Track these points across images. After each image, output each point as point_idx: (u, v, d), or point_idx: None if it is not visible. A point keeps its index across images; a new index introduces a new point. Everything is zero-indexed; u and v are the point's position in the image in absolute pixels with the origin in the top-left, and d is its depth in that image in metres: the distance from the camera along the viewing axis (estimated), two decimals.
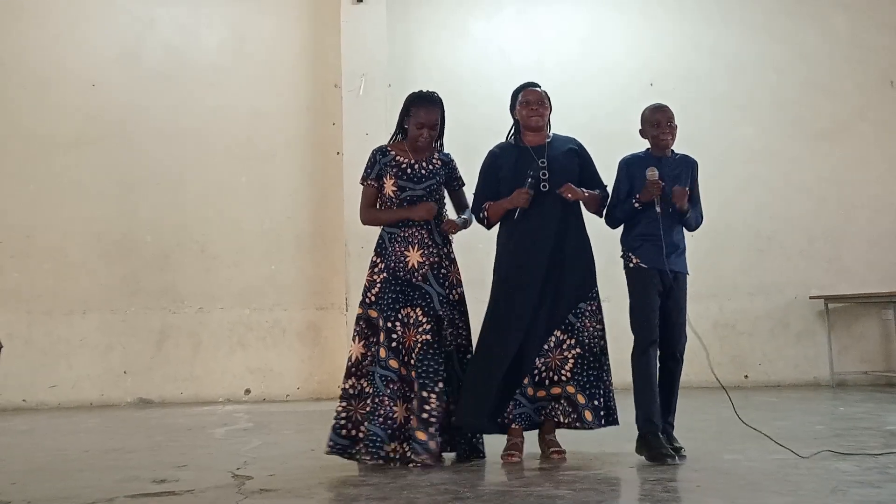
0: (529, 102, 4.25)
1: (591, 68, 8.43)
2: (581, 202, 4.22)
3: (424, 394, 3.90)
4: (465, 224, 4.27)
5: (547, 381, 4.08)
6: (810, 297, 8.25)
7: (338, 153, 7.91)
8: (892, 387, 7.80)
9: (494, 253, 4.29)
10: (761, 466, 3.62)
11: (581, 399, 4.04)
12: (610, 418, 4.11)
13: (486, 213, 4.24)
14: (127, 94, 8.00)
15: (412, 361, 3.98)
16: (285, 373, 7.90)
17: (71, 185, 7.83)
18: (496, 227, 4.33)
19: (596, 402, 4.05)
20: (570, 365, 4.07)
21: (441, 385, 3.92)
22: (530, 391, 4.07)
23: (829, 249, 8.43)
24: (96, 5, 8.15)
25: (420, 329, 3.99)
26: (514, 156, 4.24)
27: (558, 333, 4.09)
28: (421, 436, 3.86)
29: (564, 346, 4.09)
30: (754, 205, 8.40)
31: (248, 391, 7.84)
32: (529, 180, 4.09)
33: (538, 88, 4.31)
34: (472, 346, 4.20)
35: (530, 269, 4.12)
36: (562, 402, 4.06)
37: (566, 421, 4.08)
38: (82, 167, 7.85)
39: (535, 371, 4.07)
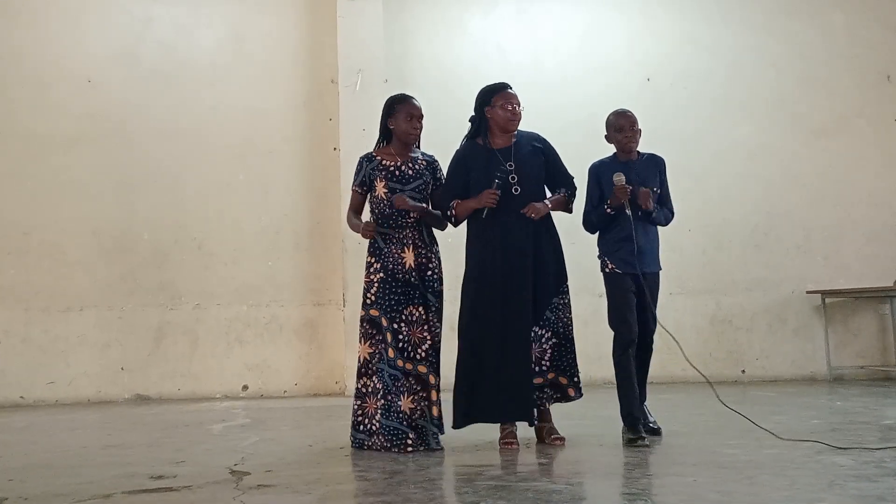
0: (513, 106, 4.32)
1: (589, 66, 8.42)
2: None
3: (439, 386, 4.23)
4: (425, 212, 4.35)
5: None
6: (807, 292, 8.26)
7: (335, 149, 7.92)
8: (888, 381, 7.81)
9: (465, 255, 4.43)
10: (758, 460, 3.63)
11: (563, 381, 4.38)
12: (581, 389, 4.48)
13: (453, 210, 4.34)
14: (125, 92, 7.99)
15: (421, 356, 4.22)
16: (283, 369, 7.90)
17: (69, 183, 7.82)
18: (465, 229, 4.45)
19: (575, 380, 4.40)
20: (549, 355, 4.34)
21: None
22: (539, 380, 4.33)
23: (827, 245, 8.44)
24: (95, 4, 8.13)
25: (425, 326, 4.24)
26: (483, 158, 4.33)
27: (536, 329, 4.31)
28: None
29: (543, 340, 4.33)
30: (752, 200, 8.41)
31: (245, 387, 7.85)
32: (497, 181, 4.20)
33: (513, 90, 4.39)
34: (440, 339, 4.37)
35: (505, 270, 4.24)
36: (546, 389, 4.37)
37: (552, 403, 4.42)
38: (80, 165, 7.85)
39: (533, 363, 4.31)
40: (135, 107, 7.98)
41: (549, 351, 4.33)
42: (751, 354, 8.26)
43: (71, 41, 8.01)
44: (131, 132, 7.95)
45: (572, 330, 4.41)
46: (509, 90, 4.37)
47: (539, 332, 4.30)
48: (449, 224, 4.46)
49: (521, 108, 4.35)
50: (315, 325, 7.98)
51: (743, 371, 8.18)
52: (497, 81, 4.44)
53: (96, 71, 7.98)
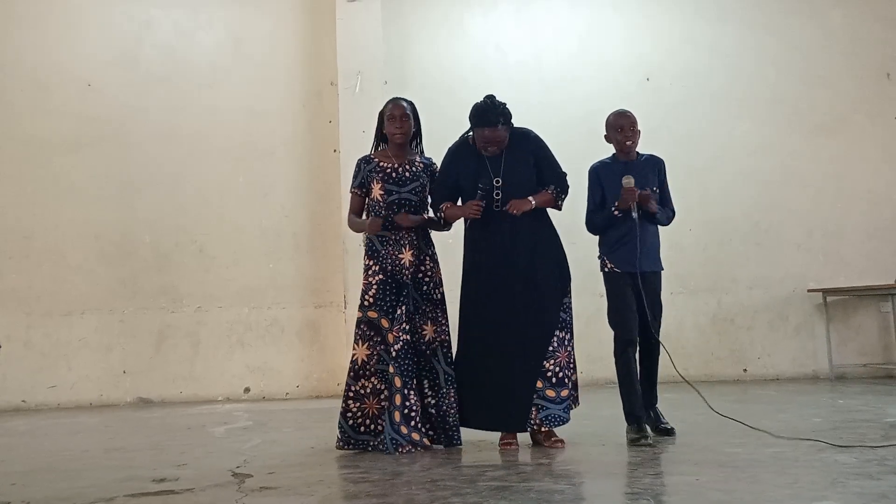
0: (487, 141, 4.19)
1: (588, 65, 8.42)
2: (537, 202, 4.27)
3: (406, 391, 4.16)
4: (426, 222, 4.41)
5: (566, 380, 4.23)
6: (808, 290, 8.26)
7: (335, 151, 7.92)
8: (890, 379, 7.81)
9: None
10: (760, 459, 3.63)
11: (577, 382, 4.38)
12: None
13: (442, 213, 4.37)
14: (125, 95, 8.00)
15: (394, 355, 4.20)
16: (284, 371, 7.91)
17: (69, 187, 7.83)
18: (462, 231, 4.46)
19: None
20: (573, 357, 4.29)
21: (414, 381, 4.22)
22: (551, 393, 4.18)
23: (827, 242, 8.43)
24: (93, 7, 8.15)
25: (400, 327, 4.21)
26: (472, 166, 4.28)
27: (559, 333, 4.22)
28: (404, 430, 4.15)
29: (566, 342, 4.25)
30: (752, 198, 8.40)
31: (247, 390, 7.85)
32: (479, 192, 4.20)
33: (498, 128, 4.16)
34: (451, 342, 4.37)
35: (501, 274, 4.23)
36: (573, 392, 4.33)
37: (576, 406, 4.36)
38: (80, 169, 7.86)
39: (550, 374, 4.19)
40: (134, 110, 7.99)
41: (574, 353, 4.30)
42: (752, 353, 8.25)
43: (70, 45, 8.02)
44: (131, 135, 7.97)
45: None
46: (487, 128, 4.15)
47: (562, 336, 4.23)
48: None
49: (499, 140, 4.19)
50: (316, 327, 7.98)
51: (745, 370, 8.17)
52: (484, 109, 4.20)
53: (96, 74, 7.99)
